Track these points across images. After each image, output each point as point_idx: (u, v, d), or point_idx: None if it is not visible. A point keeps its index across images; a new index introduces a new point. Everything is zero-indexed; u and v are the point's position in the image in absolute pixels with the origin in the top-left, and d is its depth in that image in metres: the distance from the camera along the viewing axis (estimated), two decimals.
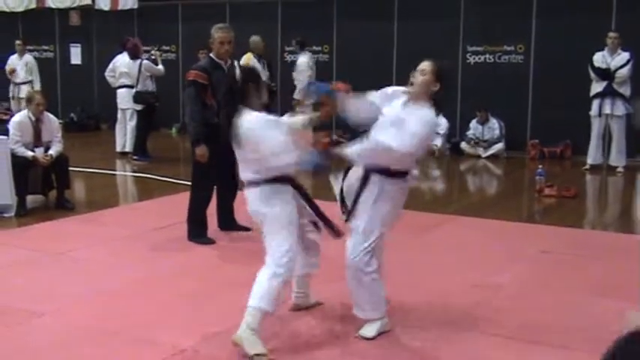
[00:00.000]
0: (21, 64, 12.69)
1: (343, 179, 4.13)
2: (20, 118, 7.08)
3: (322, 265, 4.28)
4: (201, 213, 5.91)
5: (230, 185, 5.95)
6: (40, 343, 3.85)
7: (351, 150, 3.81)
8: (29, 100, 7.17)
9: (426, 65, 3.99)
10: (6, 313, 4.26)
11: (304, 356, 3.71)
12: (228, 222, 6.15)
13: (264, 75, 10.69)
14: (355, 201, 3.92)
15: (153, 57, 10.55)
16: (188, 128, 5.90)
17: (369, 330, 3.94)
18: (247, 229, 5.95)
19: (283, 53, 12.24)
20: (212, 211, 6.10)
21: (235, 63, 6.06)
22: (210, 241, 5.85)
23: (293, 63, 11.84)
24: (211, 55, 5.85)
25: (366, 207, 3.87)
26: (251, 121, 3.71)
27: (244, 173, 3.83)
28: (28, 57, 12.84)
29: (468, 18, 11.44)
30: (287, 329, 4.07)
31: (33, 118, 7.02)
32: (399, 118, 3.78)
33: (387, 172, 3.82)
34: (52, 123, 7.22)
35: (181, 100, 13.28)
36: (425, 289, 4.79)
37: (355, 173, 3.99)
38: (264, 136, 3.66)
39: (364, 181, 3.87)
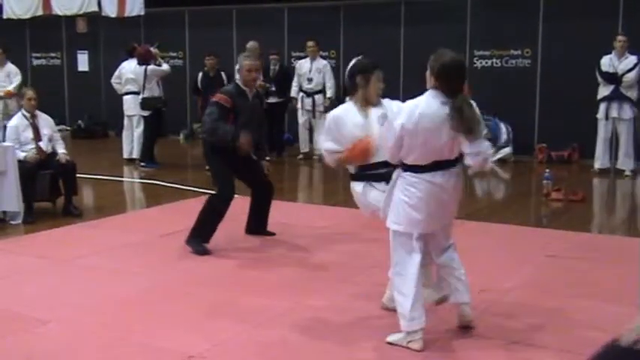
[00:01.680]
0: (1, 76, 11.22)
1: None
2: (16, 121, 7.16)
3: None
4: (217, 220, 5.87)
5: (266, 189, 6.24)
6: (46, 351, 3.85)
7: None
8: (21, 96, 7.24)
9: None
10: (13, 320, 4.28)
11: None
12: (258, 226, 6.32)
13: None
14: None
15: (157, 63, 10.57)
16: (215, 138, 5.80)
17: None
18: (272, 234, 6.27)
19: (290, 59, 12.24)
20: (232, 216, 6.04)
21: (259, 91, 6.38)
22: (206, 252, 5.73)
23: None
24: (237, 81, 6.04)
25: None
26: None
27: None
28: (11, 67, 11.43)
29: (474, 22, 11.43)
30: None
31: (28, 115, 7.11)
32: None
33: (402, 164, 3.86)
34: (48, 119, 7.35)
35: (189, 106, 13.34)
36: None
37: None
38: None
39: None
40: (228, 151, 5.74)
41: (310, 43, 10.98)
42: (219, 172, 5.98)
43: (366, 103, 4.44)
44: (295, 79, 11.00)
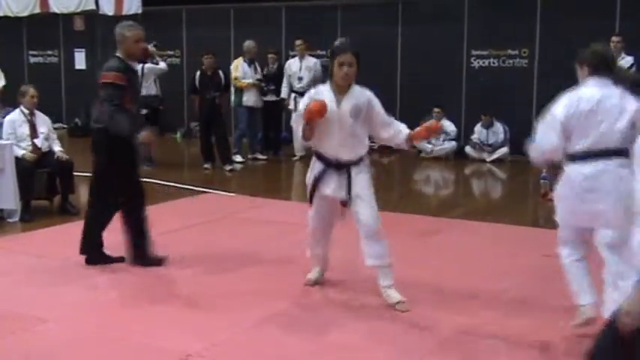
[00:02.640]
0: None
1: None
2: (13, 116, 7.19)
3: None
4: (99, 230, 5.33)
5: (141, 198, 5.46)
6: (44, 350, 3.85)
7: None
8: (23, 93, 7.24)
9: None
10: (10, 319, 4.27)
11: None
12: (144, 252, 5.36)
13: (254, 78, 10.75)
14: None
15: (154, 61, 10.55)
16: (115, 128, 5.02)
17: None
18: (160, 262, 5.32)
19: (287, 58, 12.23)
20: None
21: None
22: (119, 259, 5.29)
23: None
24: (119, 54, 5.15)
25: None
26: None
27: None
28: None
29: (472, 22, 11.44)
30: None
31: (27, 112, 7.12)
32: None
33: None
34: (45, 119, 7.36)
35: (186, 104, 13.34)
36: (428, 292, 4.78)
37: None
38: None
39: None
40: (125, 143, 5.07)
41: (298, 42, 10.94)
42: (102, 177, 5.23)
43: (337, 88, 4.43)
44: (285, 79, 10.94)
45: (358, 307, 4.51)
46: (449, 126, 11.15)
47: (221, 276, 5.20)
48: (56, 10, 14.12)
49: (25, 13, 14.48)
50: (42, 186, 7.24)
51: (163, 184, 8.95)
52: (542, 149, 4.12)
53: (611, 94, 3.88)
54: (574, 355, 3.78)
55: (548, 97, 10.76)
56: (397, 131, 4.56)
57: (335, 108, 4.35)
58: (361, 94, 4.45)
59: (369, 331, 4.09)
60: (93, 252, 5.33)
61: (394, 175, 10.65)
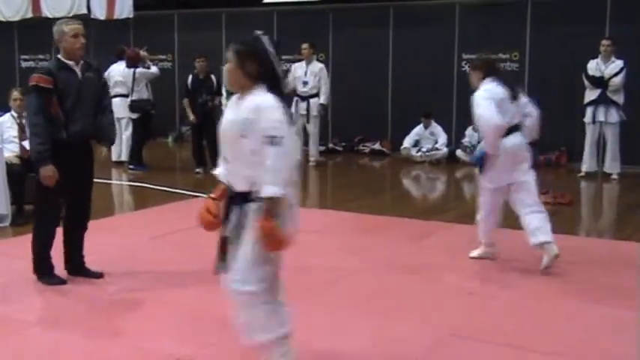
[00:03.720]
0: None
1: None
2: (2, 118, 7.31)
3: None
4: (47, 250, 4.97)
5: (80, 216, 5.07)
6: (34, 353, 3.85)
7: None
8: (10, 97, 7.31)
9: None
10: (2, 323, 4.26)
11: None
12: (77, 264, 5.12)
13: None
14: None
15: (146, 65, 10.55)
16: (30, 144, 4.91)
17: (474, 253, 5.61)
18: (100, 276, 5.10)
19: (279, 61, 12.23)
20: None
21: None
22: (62, 282, 4.95)
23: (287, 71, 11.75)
24: (59, 56, 4.84)
25: None
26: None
27: None
28: None
29: (463, 26, 11.48)
30: None
31: (15, 115, 7.18)
32: None
33: None
34: None
35: (177, 108, 13.33)
36: (421, 296, 4.80)
37: None
38: None
39: None
40: (59, 159, 4.68)
41: (304, 46, 10.81)
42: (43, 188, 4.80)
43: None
44: (290, 81, 10.89)
45: (349, 313, 4.51)
46: (440, 134, 11.18)
47: (210, 280, 5.17)
48: (48, 15, 14.07)
49: (17, 18, 14.45)
50: (33, 190, 7.20)
51: (155, 188, 8.94)
52: (497, 123, 5.26)
53: (504, 91, 5.39)
54: (566, 357, 3.80)
55: (538, 100, 10.81)
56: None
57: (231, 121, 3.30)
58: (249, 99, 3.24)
59: (362, 336, 4.09)
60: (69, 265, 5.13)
61: (385, 179, 10.67)
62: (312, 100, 10.69)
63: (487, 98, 5.30)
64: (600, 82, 9.44)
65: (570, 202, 7.94)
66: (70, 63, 4.79)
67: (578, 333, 4.13)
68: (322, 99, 10.69)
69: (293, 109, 10.81)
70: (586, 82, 9.58)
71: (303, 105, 10.71)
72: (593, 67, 9.50)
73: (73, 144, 4.80)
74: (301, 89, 10.72)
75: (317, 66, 10.84)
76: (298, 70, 10.82)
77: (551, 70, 10.69)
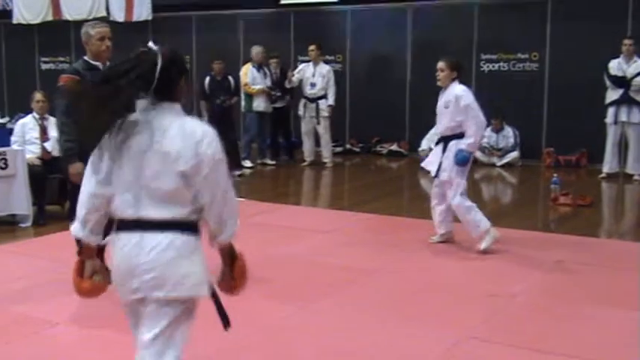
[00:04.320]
0: None
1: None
2: (24, 120, 7.35)
3: None
4: None
5: None
6: (55, 353, 3.87)
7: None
8: (32, 99, 7.38)
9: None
10: (22, 322, 4.30)
11: None
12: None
13: (264, 84, 10.76)
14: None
15: None
16: (59, 143, 5.01)
17: (482, 244, 5.76)
18: None
19: (296, 63, 12.24)
20: None
21: None
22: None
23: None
24: (85, 57, 5.04)
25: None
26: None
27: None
28: None
29: (481, 26, 11.42)
30: None
31: (37, 116, 7.23)
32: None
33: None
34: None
35: (196, 110, 13.36)
36: (439, 298, 4.77)
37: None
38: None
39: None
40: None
41: (312, 47, 10.82)
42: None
43: None
44: (301, 83, 10.91)
45: (366, 313, 4.50)
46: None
47: None
48: (68, 17, 14.21)
49: (38, 20, 14.59)
50: (54, 191, 7.28)
51: None
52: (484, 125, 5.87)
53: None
54: None
55: (559, 100, 10.69)
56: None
57: None
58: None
59: (377, 337, 4.08)
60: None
61: (403, 180, 10.63)
62: (320, 102, 10.69)
63: (474, 100, 5.76)
64: (622, 82, 9.34)
65: (591, 203, 7.86)
66: (97, 64, 4.92)
67: (598, 336, 4.08)
68: (330, 100, 10.70)
69: (301, 111, 10.83)
70: (608, 82, 9.48)
71: (312, 107, 10.72)
72: (615, 66, 9.40)
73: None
74: (309, 91, 10.73)
75: (324, 67, 10.84)
76: (306, 72, 10.82)
77: (571, 70, 10.59)
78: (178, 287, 2.51)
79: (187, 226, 2.53)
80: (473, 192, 9.87)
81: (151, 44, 2.67)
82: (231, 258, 2.74)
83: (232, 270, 2.75)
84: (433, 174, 5.97)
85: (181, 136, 2.49)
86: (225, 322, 2.83)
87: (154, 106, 2.54)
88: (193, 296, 2.58)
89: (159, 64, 2.53)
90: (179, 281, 2.51)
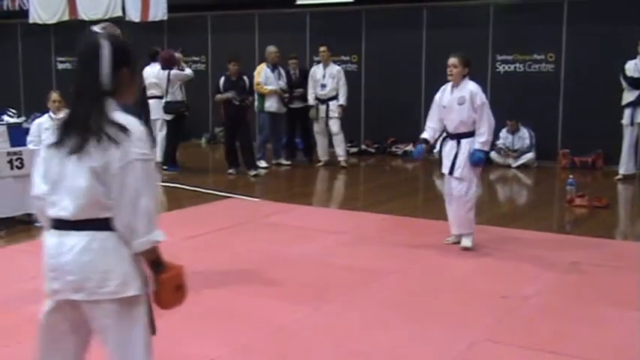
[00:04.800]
0: None
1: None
2: (41, 119, 7.41)
3: None
4: None
5: None
6: None
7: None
8: (48, 98, 7.43)
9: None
10: (35, 322, 4.30)
11: None
12: None
13: (277, 84, 10.77)
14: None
15: (180, 68, 10.64)
16: None
17: (467, 242, 5.86)
18: None
19: (312, 63, 12.24)
20: None
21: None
22: None
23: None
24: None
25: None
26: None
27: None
28: None
29: (497, 26, 11.37)
30: None
31: (53, 116, 7.28)
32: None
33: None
34: None
35: (211, 110, 13.42)
36: (453, 299, 4.75)
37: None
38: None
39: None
40: None
41: (322, 49, 10.84)
42: None
43: None
44: (311, 85, 10.92)
45: (381, 314, 4.49)
46: None
47: (244, 280, 5.22)
48: (84, 17, 14.29)
49: (54, 20, 14.69)
50: None
51: (188, 189, 9.01)
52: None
53: None
54: None
55: (574, 102, 10.61)
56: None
57: None
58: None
59: (391, 339, 4.07)
60: None
61: (418, 181, 10.61)
62: (331, 103, 10.68)
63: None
64: (639, 83, 9.27)
65: (607, 205, 7.81)
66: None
67: (613, 338, 4.05)
68: (341, 100, 10.68)
69: (313, 112, 10.81)
70: (624, 84, 9.41)
71: (322, 108, 10.72)
72: (632, 67, 9.33)
73: None
74: (320, 92, 10.73)
75: (334, 68, 10.83)
76: (317, 73, 10.83)
77: (587, 71, 10.52)
78: (99, 290, 2.37)
79: (109, 224, 2.38)
80: (488, 193, 9.85)
81: (95, 28, 2.57)
82: (154, 268, 2.50)
83: (156, 281, 2.51)
84: (447, 172, 5.91)
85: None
86: (152, 328, 2.63)
87: None
88: (117, 297, 2.40)
89: (102, 54, 2.40)
90: (100, 283, 2.37)
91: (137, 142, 2.36)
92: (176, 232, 6.61)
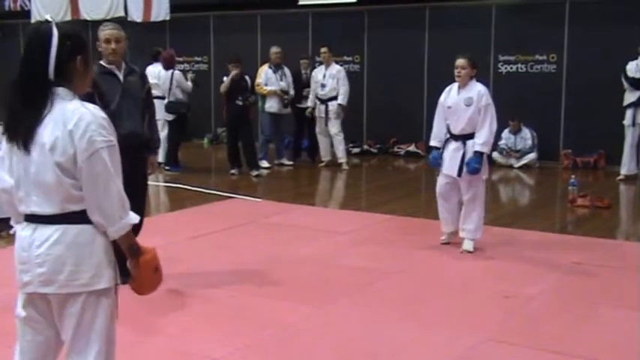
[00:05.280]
0: None
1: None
2: None
3: None
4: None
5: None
6: None
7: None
8: None
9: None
10: None
11: None
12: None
13: (279, 85, 10.77)
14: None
15: (191, 78, 10.73)
16: None
17: (471, 246, 5.83)
18: None
19: (314, 63, 12.25)
20: None
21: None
22: None
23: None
24: (101, 61, 4.87)
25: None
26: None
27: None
28: None
29: (499, 27, 11.37)
30: None
31: None
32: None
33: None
34: None
35: (213, 110, 13.43)
36: (456, 299, 4.76)
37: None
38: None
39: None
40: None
41: (323, 50, 10.81)
42: None
43: None
44: (312, 87, 10.88)
45: (383, 315, 4.50)
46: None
47: (246, 280, 5.22)
48: (87, 17, 14.31)
49: (56, 20, 14.67)
50: None
51: (190, 189, 9.02)
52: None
53: None
54: None
55: (576, 102, 10.62)
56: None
57: None
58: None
59: (394, 339, 4.08)
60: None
61: (421, 181, 10.62)
62: (330, 103, 10.67)
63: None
64: None
65: (609, 205, 7.81)
66: (111, 67, 4.84)
67: (616, 339, 4.06)
68: (340, 99, 10.66)
69: (316, 112, 10.82)
70: (625, 84, 9.42)
71: (322, 108, 10.72)
72: (633, 68, 9.34)
73: (122, 146, 4.81)
74: (320, 92, 10.73)
75: (335, 68, 10.81)
76: (318, 74, 10.83)
77: (589, 71, 10.52)
78: (70, 283, 2.37)
79: (81, 217, 2.37)
80: (491, 193, 9.85)
81: (47, 17, 2.53)
82: (131, 253, 2.48)
83: (134, 266, 2.51)
84: (455, 175, 5.83)
85: (57, 125, 2.32)
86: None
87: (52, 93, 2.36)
88: (88, 291, 2.39)
89: (52, 42, 2.38)
90: (70, 277, 2.37)
91: (100, 130, 2.35)
92: (178, 232, 6.64)
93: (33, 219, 2.40)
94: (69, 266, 2.37)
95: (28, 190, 2.39)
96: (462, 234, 5.93)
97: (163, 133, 10.66)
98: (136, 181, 4.83)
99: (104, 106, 4.52)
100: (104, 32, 4.89)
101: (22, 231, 2.44)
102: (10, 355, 3.92)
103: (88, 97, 4.19)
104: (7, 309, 4.53)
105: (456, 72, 5.85)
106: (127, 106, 4.83)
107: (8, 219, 2.56)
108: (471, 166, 5.71)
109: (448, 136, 5.96)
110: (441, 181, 6.04)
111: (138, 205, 4.88)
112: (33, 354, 2.51)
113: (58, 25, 2.45)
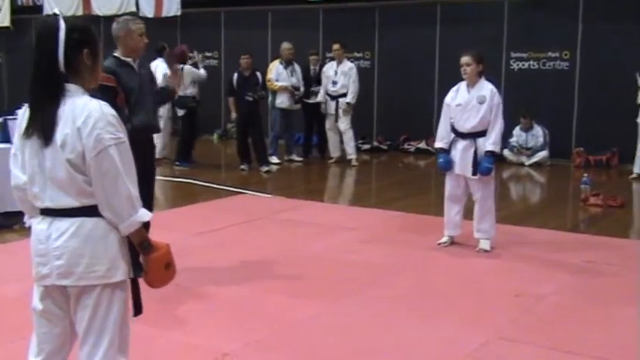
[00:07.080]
0: None
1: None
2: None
3: None
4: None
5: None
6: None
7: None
8: None
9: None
10: None
11: None
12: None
13: (290, 81, 10.75)
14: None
15: (195, 60, 10.65)
16: None
17: (488, 246, 5.76)
18: None
19: (325, 60, 12.22)
20: None
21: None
22: None
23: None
24: (116, 53, 4.95)
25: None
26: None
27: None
28: None
29: (511, 23, 11.31)
30: None
31: None
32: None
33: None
34: None
35: (223, 106, 13.43)
36: (466, 297, 4.73)
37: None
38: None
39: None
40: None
41: (336, 46, 10.79)
42: None
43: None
44: (323, 82, 10.86)
45: (392, 312, 4.47)
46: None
47: (255, 276, 5.21)
48: (99, 13, 14.34)
49: (68, 15, 14.73)
50: None
51: (200, 185, 9.02)
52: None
53: None
54: None
55: (589, 100, 10.56)
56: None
57: None
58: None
59: (404, 336, 4.05)
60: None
61: (431, 178, 10.57)
62: (340, 100, 10.64)
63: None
64: None
65: (622, 204, 7.75)
66: (128, 60, 4.88)
67: (628, 338, 4.01)
68: (349, 98, 10.61)
69: (323, 108, 10.79)
70: (639, 82, 9.35)
71: (332, 104, 10.69)
72: None
73: (137, 138, 4.84)
74: (331, 89, 10.70)
75: (347, 65, 10.78)
76: (329, 70, 10.80)
77: (603, 69, 10.44)
78: (86, 275, 2.39)
79: (95, 211, 2.39)
80: (501, 191, 9.80)
81: (56, 10, 2.52)
82: (142, 249, 2.50)
83: (145, 262, 2.54)
84: (470, 174, 5.72)
85: (67, 122, 2.33)
86: (136, 309, 2.65)
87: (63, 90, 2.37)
88: (104, 283, 2.42)
89: (59, 35, 2.37)
90: (87, 269, 2.39)
91: (108, 127, 2.35)
92: (189, 227, 6.63)
93: (49, 212, 2.42)
94: (86, 259, 2.39)
95: (43, 185, 2.40)
96: (477, 235, 5.84)
97: (166, 130, 10.64)
98: (145, 173, 4.83)
99: (126, 100, 4.69)
100: (138, 26, 4.93)
101: (39, 224, 2.45)
102: (23, 347, 3.92)
103: (108, 91, 4.29)
104: (17, 303, 4.55)
105: (462, 70, 5.76)
106: (143, 98, 4.87)
107: (20, 212, 2.56)
108: (484, 166, 5.65)
109: (453, 135, 5.84)
110: (450, 184, 5.92)
111: (146, 198, 4.94)
112: (50, 345, 2.52)
113: (65, 18, 2.45)
